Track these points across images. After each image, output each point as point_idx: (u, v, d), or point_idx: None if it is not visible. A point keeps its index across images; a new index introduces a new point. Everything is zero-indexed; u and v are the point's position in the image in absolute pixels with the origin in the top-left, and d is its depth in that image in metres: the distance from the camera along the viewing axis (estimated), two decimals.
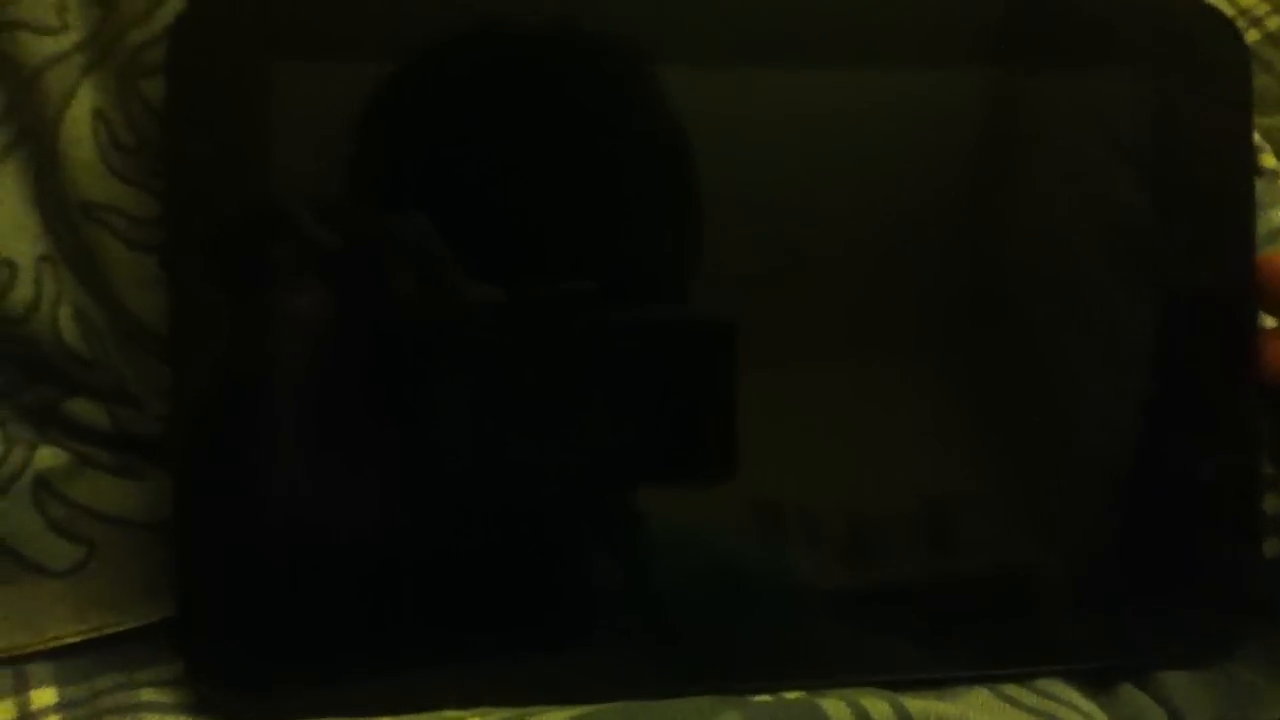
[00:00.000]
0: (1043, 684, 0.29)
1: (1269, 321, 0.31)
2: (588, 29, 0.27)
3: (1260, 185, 0.31)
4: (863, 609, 0.29)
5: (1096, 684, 0.29)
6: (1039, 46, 0.30)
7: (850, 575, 0.29)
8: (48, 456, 0.27)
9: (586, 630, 0.28)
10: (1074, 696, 0.28)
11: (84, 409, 0.27)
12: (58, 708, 0.26)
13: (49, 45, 0.26)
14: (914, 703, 0.26)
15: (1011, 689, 0.29)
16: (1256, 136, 0.33)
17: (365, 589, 0.27)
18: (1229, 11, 0.36)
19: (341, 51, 0.27)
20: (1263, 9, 0.36)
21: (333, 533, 0.27)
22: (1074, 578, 0.30)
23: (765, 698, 0.27)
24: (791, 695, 0.27)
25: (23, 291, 0.26)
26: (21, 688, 0.26)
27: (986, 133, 0.30)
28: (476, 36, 0.27)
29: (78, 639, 0.27)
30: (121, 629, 0.27)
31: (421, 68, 0.27)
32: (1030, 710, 0.28)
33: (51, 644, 0.27)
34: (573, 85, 0.28)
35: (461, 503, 0.27)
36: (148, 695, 0.26)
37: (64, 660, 0.27)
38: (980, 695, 0.28)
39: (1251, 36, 0.35)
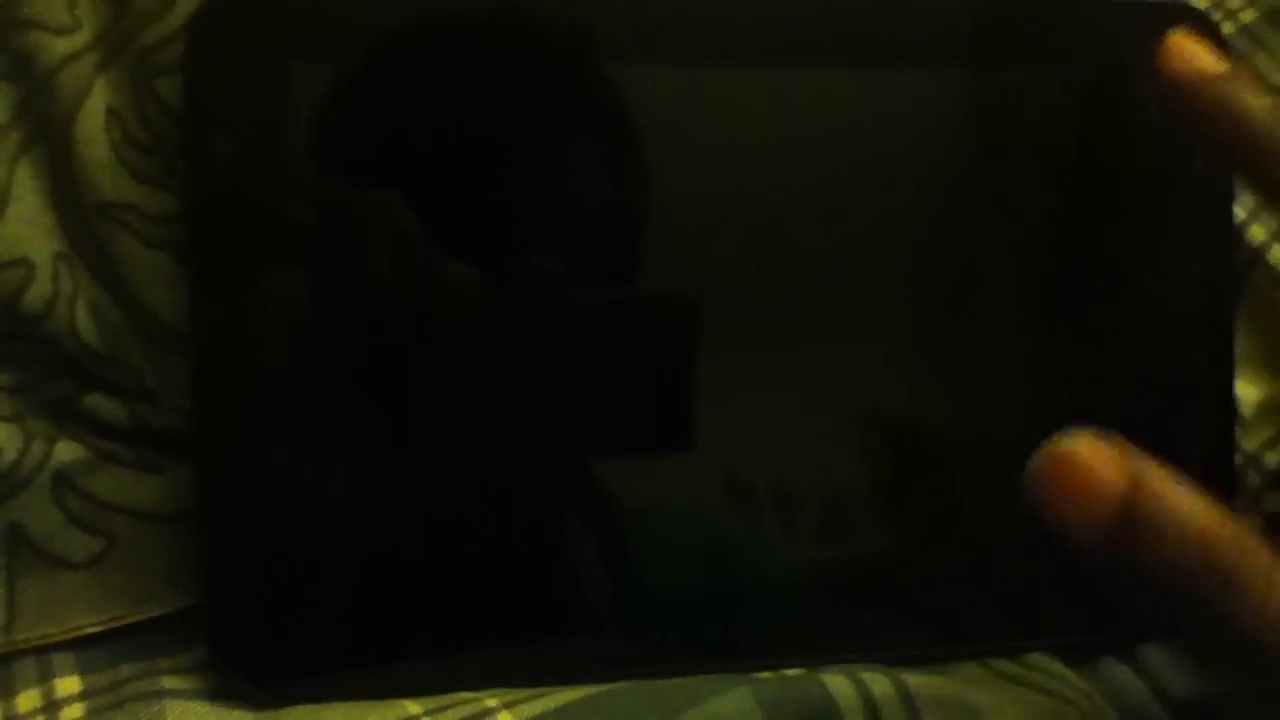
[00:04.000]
0: (1030, 658, 0.30)
1: None
2: (557, 22, 0.28)
3: None
4: (841, 588, 0.30)
5: (1081, 658, 0.31)
6: (1012, 46, 0.31)
7: (826, 553, 0.30)
8: (66, 451, 0.27)
9: (575, 615, 0.29)
10: (1061, 670, 0.30)
11: (102, 404, 0.27)
12: (81, 695, 0.26)
13: (62, 44, 0.26)
14: (912, 677, 0.27)
15: (1000, 663, 0.30)
16: None
17: (372, 577, 0.28)
18: (1204, 3, 0.37)
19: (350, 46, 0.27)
20: (1236, 2, 0.37)
21: (337, 521, 0.28)
22: (1053, 558, 0.31)
23: (768, 675, 0.28)
24: (792, 672, 0.28)
25: (40, 288, 0.26)
26: (46, 677, 0.27)
27: (951, 130, 0.30)
28: (456, 30, 0.28)
29: (99, 629, 0.27)
30: (141, 618, 0.28)
31: (401, 59, 0.28)
32: (1020, 683, 0.29)
33: (73, 634, 0.27)
34: (543, 76, 0.28)
35: (450, 485, 0.28)
36: (169, 682, 0.27)
37: (86, 649, 0.27)
38: (971, 669, 0.29)
39: (1227, 29, 0.36)
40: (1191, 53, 0.25)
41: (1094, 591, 0.30)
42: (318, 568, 0.27)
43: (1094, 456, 0.22)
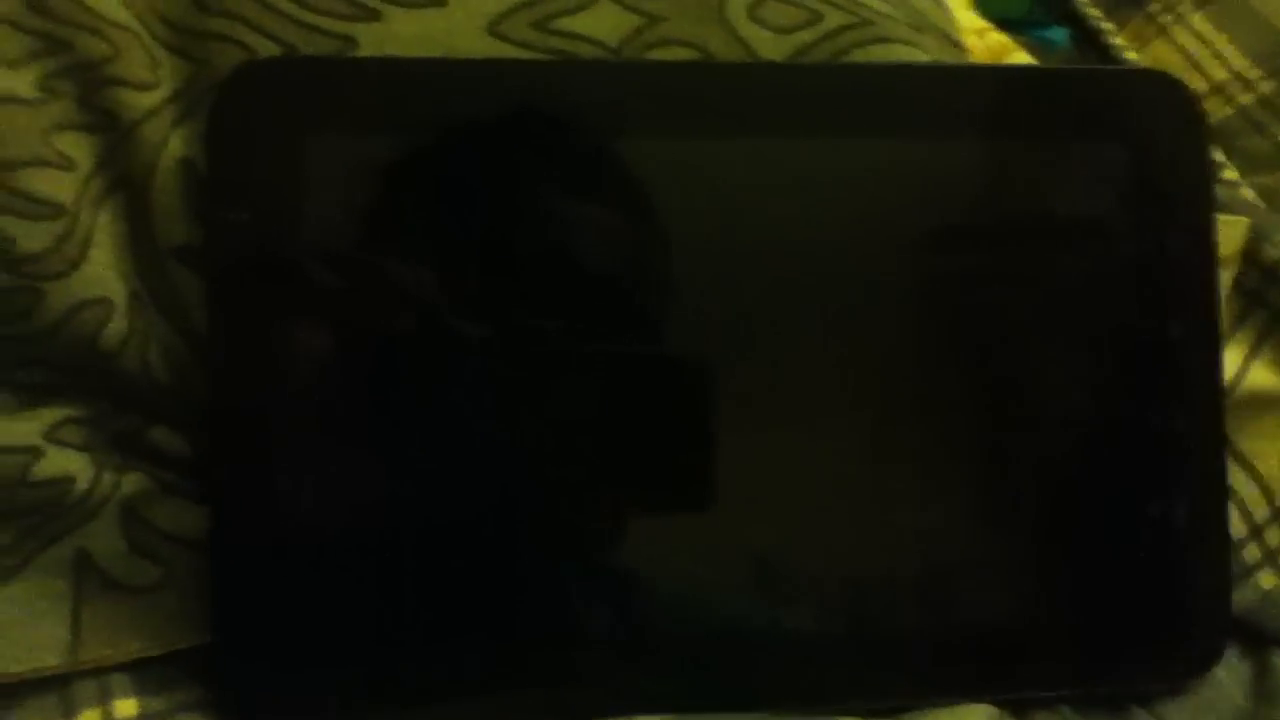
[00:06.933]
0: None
1: None
2: (567, 101, 0.30)
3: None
4: (852, 649, 0.30)
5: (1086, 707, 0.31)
6: (1008, 120, 0.31)
7: (840, 621, 0.30)
8: (133, 482, 0.29)
9: (585, 662, 0.30)
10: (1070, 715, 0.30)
11: (166, 438, 0.29)
12: (139, 719, 0.28)
13: (144, 100, 0.28)
14: None
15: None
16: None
17: (381, 621, 0.29)
18: (1223, 76, 0.38)
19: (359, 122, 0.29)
20: (1255, 74, 0.38)
21: (345, 565, 0.29)
22: (1059, 613, 0.31)
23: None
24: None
25: (117, 326, 0.28)
26: (105, 699, 0.28)
27: (956, 201, 0.31)
28: (473, 111, 0.30)
29: (156, 653, 0.29)
30: (196, 644, 0.29)
31: (421, 139, 0.29)
32: None
33: (133, 657, 0.28)
34: (556, 151, 0.30)
35: (461, 532, 0.29)
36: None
37: (143, 673, 0.28)
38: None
39: (1244, 99, 0.38)
40: None
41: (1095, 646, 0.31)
42: (330, 609, 0.29)
43: None
